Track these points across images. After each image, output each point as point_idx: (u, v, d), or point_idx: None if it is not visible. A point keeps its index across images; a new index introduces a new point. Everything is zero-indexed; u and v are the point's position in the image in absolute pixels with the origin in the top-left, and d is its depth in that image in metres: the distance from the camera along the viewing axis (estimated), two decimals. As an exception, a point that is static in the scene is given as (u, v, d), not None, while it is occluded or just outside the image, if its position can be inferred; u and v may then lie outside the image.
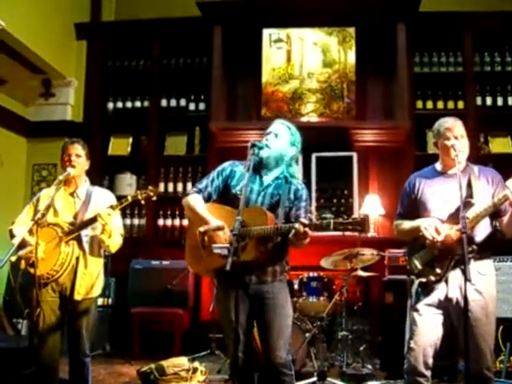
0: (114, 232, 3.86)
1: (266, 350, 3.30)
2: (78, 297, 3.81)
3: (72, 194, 3.96)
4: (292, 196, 3.38)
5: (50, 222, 3.79)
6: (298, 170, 3.53)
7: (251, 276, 3.29)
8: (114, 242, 3.91)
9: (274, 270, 3.34)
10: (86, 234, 3.86)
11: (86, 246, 3.87)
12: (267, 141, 3.39)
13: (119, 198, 3.95)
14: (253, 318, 3.35)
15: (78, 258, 3.81)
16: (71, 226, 3.81)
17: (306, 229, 3.05)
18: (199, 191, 3.44)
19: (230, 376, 3.28)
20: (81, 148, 3.96)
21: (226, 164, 3.54)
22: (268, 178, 3.43)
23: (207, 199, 3.43)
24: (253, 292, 3.31)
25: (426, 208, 3.46)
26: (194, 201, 3.40)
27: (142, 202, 3.92)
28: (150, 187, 3.96)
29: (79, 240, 3.83)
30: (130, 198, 3.86)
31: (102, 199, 3.99)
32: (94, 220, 3.77)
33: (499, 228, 3.47)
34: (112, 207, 3.79)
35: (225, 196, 3.45)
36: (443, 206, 3.39)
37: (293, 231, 3.09)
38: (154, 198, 3.97)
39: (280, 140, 3.42)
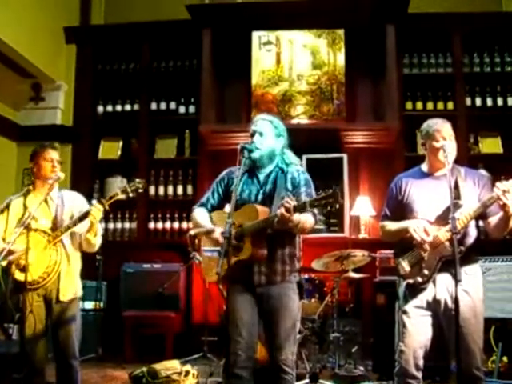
0: (98, 231, 3.87)
1: (272, 350, 3.32)
2: (63, 297, 3.80)
3: (45, 199, 3.94)
4: (289, 185, 3.40)
5: (31, 227, 3.71)
6: (292, 155, 3.54)
7: (260, 277, 3.31)
8: (99, 242, 3.94)
9: (284, 269, 3.34)
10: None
11: (67, 243, 3.86)
12: (254, 142, 3.42)
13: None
14: (260, 318, 3.37)
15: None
16: (52, 230, 3.79)
17: (284, 212, 3.03)
18: (201, 205, 3.59)
19: (224, 375, 3.28)
20: (58, 153, 4.00)
21: (224, 173, 3.62)
22: (264, 175, 3.47)
23: (211, 210, 3.55)
24: (260, 293, 3.33)
25: (412, 209, 3.44)
26: (196, 214, 3.55)
27: (131, 194, 3.88)
28: (138, 180, 3.92)
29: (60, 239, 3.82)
30: (119, 192, 3.82)
31: (75, 200, 4.01)
32: (85, 216, 3.75)
33: (485, 229, 3.46)
34: (102, 202, 3.77)
35: (228, 202, 3.48)
36: (430, 207, 3.38)
37: (276, 219, 3.11)
38: (141, 190, 3.92)
39: (266, 137, 3.44)
